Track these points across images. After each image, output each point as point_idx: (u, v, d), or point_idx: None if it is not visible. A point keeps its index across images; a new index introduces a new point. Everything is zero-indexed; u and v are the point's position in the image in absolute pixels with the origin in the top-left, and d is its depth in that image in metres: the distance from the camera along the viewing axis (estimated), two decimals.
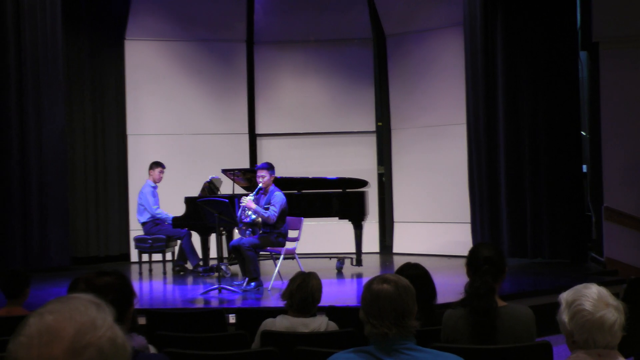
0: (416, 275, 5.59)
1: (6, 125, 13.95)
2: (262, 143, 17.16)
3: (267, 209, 11.63)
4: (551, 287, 11.19)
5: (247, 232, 12.04)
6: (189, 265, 13.81)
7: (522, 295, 10.38)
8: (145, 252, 13.68)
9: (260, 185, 11.81)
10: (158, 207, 13.66)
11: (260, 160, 15.78)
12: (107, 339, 1.77)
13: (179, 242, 13.80)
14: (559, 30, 13.39)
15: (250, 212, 11.65)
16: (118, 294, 3.58)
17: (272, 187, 11.89)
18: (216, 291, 11.07)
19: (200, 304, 10.80)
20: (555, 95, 13.42)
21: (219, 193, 13.88)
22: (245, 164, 16.25)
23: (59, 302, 1.82)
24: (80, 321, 1.76)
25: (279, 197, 11.72)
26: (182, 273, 13.71)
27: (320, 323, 6.01)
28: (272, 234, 11.74)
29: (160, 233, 13.55)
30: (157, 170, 13.80)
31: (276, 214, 11.60)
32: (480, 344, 4.86)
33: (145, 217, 13.66)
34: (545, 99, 13.45)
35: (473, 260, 5.12)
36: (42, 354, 1.71)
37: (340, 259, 13.91)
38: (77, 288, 3.63)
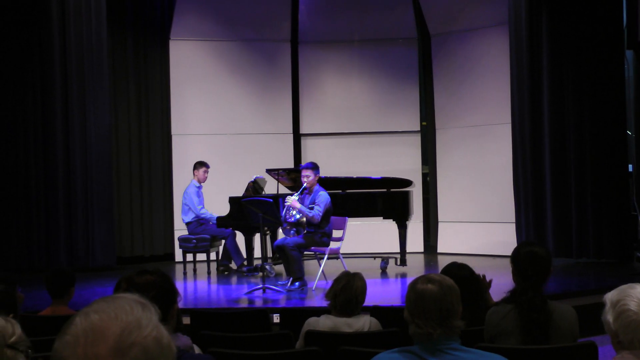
0: (462, 276, 5.56)
1: (52, 126, 14.13)
2: (306, 143, 17.17)
3: (311, 208, 11.63)
4: (596, 287, 11.16)
5: (292, 231, 12.04)
6: (233, 265, 13.83)
7: (567, 296, 10.31)
8: (189, 252, 13.71)
9: (304, 184, 11.82)
10: (202, 207, 13.69)
11: (305, 160, 15.76)
12: (152, 339, 1.76)
13: (223, 241, 13.84)
14: (604, 29, 13.27)
15: (294, 212, 11.66)
16: (159, 291, 3.59)
17: (316, 187, 11.89)
18: (260, 291, 11.06)
19: (244, 304, 10.83)
20: (600, 95, 13.30)
21: (263, 193, 13.90)
22: (290, 164, 16.27)
23: (104, 302, 1.82)
24: (125, 320, 1.76)
25: (323, 196, 11.70)
26: (226, 273, 13.74)
27: (364, 323, 6.01)
28: (317, 234, 11.72)
29: (204, 233, 13.58)
30: (202, 170, 13.82)
31: (320, 214, 11.59)
32: (533, 343, 4.86)
33: (190, 217, 13.69)
34: (590, 99, 13.34)
35: (522, 264, 5.11)
36: (88, 352, 1.71)
37: (385, 258, 13.89)
38: (119, 287, 3.68)
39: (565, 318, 4.99)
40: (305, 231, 11.80)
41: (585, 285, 11.58)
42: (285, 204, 11.70)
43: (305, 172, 11.85)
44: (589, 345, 4.89)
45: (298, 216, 11.66)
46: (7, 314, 3.91)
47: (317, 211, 11.56)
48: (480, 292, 5.86)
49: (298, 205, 11.58)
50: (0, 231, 14.04)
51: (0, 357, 2.90)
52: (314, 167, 11.90)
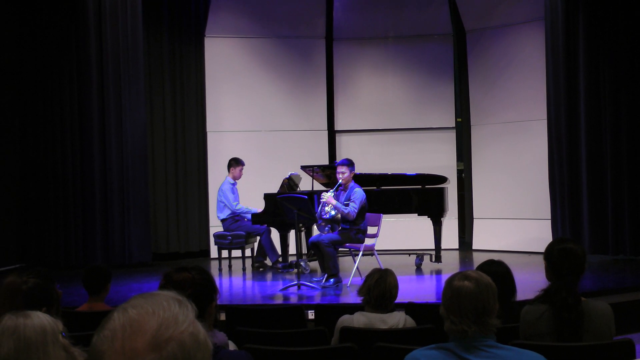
0: (497, 272, 5.50)
1: (88, 123, 14.22)
2: (341, 139, 17.13)
3: (346, 205, 11.60)
4: (633, 284, 11.06)
5: (326, 228, 12.00)
6: (268, 262, 13.82)
7: (604, 293, 10.19)
8: (224, 249, 13.75)
9: (340, 181, 11.79)
10: (238, 203, 13.70)
11: (340, 157, 15.74)
12: (189, 334, 1.79)
13: (258, 238, 13.84)
14: None
15: (329, 209, 11.62)
16: (197, 289, 3.64)
17: (351, 184, 11.84)
18: (295, 287, 11.08)
19: (279, 300, 10.77)
20: (638, 90, 13.19)
21: (298, 189, 13.89)
22: (325, 161, 16.22)
23: (142, 298, 1.85)
24: (163, 316, 1.79)
25: (358, 193, 11.67)
26: (261, 269, 13.73)
27: (398, 319, 6.01)
28: (352, 230, 11.69)
29: (239, 229, 13.58)
30: (239, 168, 13.79)
31: (356, 210, 11.55)
32: (565, 341, 4.81)
33: (225, 214, 13.68)
34: (628, 94, 13.22)
35: (555, 262, 5.08)
36: (125, 346, 1.74)
37: (420, 255, 13.82)
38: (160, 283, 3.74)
39: (601, 316, 4.94)
40: (340, 228, 11.78)
41: (621, 283, 11.47)
42: (321, 200, 11.67)
43: (340, 169, 11.81)
44: (626, 343, 4.85)
45: (333, 212, 11.62)
46: (40, 308, 3.98)
47: (353, 207, 11.53)
48: (514, 289, 5.81)
49: (334, 201, 11.55)
50: (37, 228, 14.18)
51: (56, 344, 3.00)
52: (349, 163, 11.86)
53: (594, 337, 4.86)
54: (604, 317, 4.95)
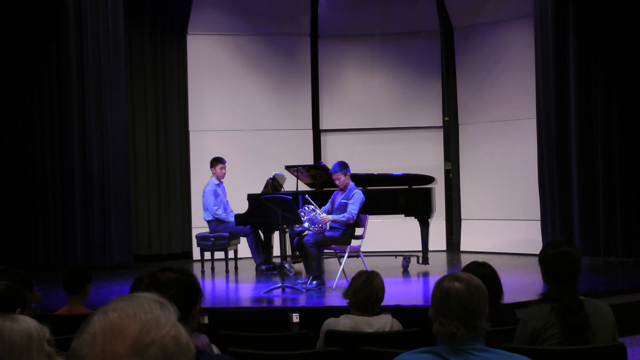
0: (482, 274, 5.39)
1: (68, 122, 14.18)
2: (326, 139, 17.06)
3: (344, 204, 11.54)
4: (625, 286, 11.04)
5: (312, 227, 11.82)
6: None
7: (595, 295, 10.01)
8: (207, 250, 13.64)
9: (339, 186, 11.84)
10: (219, 208, 13.54)
11: (325, 156, 15.80)
12: (170, 338, 1.77)
13: (240, 239, 13.73)
14: (634, 20, 13.07)
15: (306, 224, 11.46)
16: (180, 290, 3.61)
17: (351, 185, 11.83)
18: (279, 290, 10.99)
19: (263, 303, 10.70)
20: (629, 89, 13.14)
21: (282, 190, 13.76)
22: (309, 160, 16.14)
23: (123, 301, 1.84)
24: (144, 319, 1.77)
25: (358, 194, 11.64)
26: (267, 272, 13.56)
27: (385, 322, 5.96)
28: (339, 230, 11.62)
29: (225, 230, 13.48)
30: (218, 166, 13.68)
31: (356, 210, 11.52)
32: (574, 344, 4.76)
33: (210, 216, 13.58)
34: (619, 92, 13.17)
35: (551, 267, 5.03)
36: (106, 351, 1.73)
37: (406, 257, 13.71)
38: (141, 282, 3.69)
39: (603, 316, 4.90)
40: (327, 228, 11.66)
41: (613, 285, 11.42)
42: (318, 222, 11.47)
43: (335, 177, 11.81)
44: (617, 347, 4.79)
45: (306, 225, 11.42)
46: (13, 311, 3.93)
47: (351, 211, 11.49)
48: (501, 291, 5.70)
49: (330, 217, 11.52)
50: (17, 230, 14.08)
51: (41, 351, 3.01)
52: (341, 168, 11.78)
53: (602, 337, 4.83)
54: (607, 317, 4.92)
